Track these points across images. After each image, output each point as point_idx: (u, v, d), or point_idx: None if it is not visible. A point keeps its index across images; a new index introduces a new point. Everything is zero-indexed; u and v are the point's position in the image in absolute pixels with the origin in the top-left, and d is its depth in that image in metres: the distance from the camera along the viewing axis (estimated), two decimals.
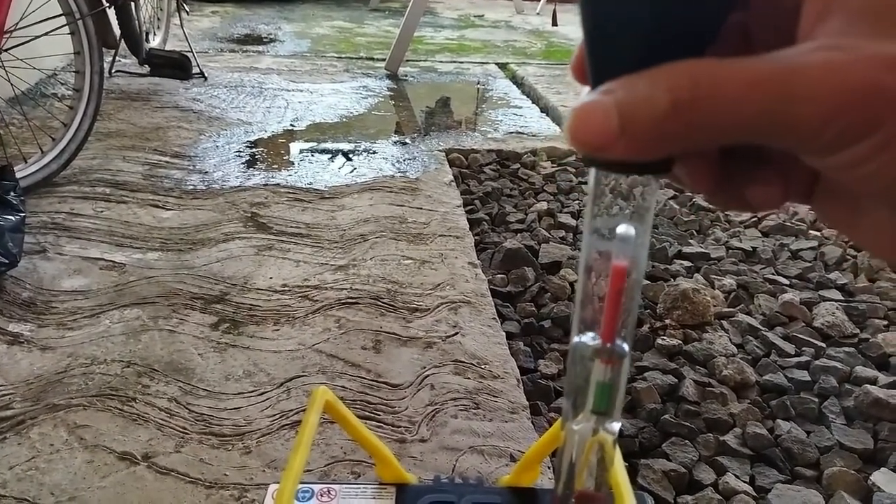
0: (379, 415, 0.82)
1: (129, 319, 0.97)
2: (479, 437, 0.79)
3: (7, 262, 1.01)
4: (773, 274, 1.25)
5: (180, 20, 2.46)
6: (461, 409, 0.84)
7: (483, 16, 4.41)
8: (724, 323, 1.09)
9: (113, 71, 2.25)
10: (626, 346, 0.26)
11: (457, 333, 0.98)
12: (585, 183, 1.62)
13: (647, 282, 1.18)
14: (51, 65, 1.85)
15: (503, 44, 3.41)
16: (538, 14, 4.52)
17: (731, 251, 1.33)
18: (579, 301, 0.27)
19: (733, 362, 0.97)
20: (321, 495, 0.38)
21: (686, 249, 1.32)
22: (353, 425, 0.38)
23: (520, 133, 1.94)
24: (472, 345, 0.96)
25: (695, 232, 1.43)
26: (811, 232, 1.42)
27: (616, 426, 0.29)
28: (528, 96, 2.41)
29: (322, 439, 0.77)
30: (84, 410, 0.79)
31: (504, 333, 1.00)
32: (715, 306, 1.12)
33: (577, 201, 1.52)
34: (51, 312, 0.97)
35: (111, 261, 1.12)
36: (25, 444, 0.74)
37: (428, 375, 0.89)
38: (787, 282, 1.22)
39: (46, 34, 1.27)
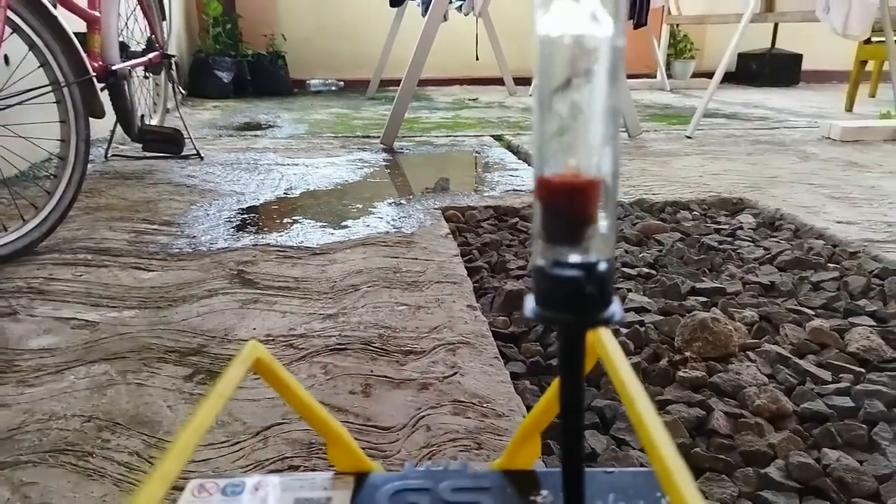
0: None
1: (95, 375, 0.88)
2: None
3: None
4: (796, 305, 1.16)
5: (177, 105, 2.50)
6: (461, 451, 0.74)
7: (477, 98, 4.52)
8: (751, 354, 0.99)
9: (109, 154, 2.26)
10: None
11: (455, 374, 0.89)
12: None
13: (661, 317, 1.09)
14: (42, 153, 1.85)
15: (497, 120, 3.45)
16: (530, 95, 4.63)
17: (748, 285, 1.25)
18: None
19: (766, 391, 0.87)
20: (255, 489, 0.30)
21: (699, 285, 1.23)
22: (295, 395, 0.30)
23: (517, 190, 1.91)
24: (473, 384, 0.87)
25: (707, 270, 1.35)
26: (829, 264, 1.34)
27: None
28: (524, 161, 2.40)
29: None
30: (34, 467, 0.70)
31: (508, 373, 0.91)
32: (738, 339, 1.02)
33: None
34: (12, 371, 0.89)
35: (84, 319, 1.05)
36: None
37: (423, 417, 0.80)
38: (812, 312, 1.13)
39: (29, 100, 1.26)
